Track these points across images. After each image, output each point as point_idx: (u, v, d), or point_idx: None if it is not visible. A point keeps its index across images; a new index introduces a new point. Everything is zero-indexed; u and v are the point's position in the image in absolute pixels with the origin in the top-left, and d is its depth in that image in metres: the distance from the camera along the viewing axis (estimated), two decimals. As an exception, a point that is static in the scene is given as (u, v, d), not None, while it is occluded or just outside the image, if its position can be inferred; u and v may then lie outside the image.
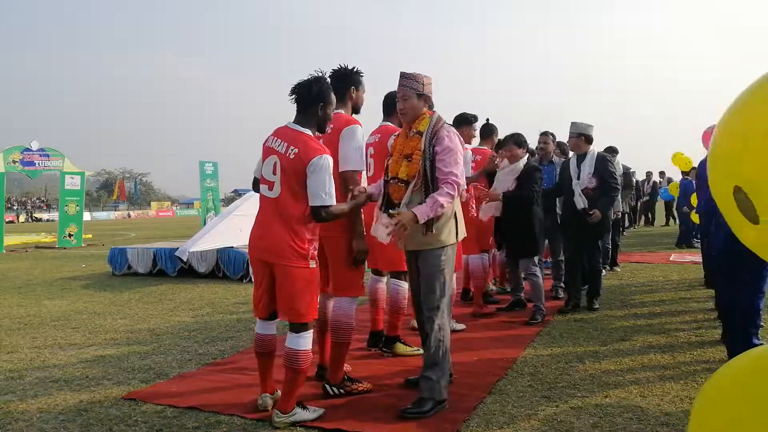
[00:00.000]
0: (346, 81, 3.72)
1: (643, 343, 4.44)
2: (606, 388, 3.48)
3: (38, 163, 16.64)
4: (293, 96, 3.18)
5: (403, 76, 3.37)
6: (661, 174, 18.66)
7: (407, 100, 3.33)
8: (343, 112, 3.64)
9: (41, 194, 71.46)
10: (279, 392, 3.24)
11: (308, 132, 3.12)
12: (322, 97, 3.15)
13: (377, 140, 4.31)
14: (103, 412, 3.31)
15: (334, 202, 3.02)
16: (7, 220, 27.38)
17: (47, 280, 9.27)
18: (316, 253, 3.10)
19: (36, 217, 46.84)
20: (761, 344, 3.84)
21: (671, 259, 9.80)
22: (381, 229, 3.22)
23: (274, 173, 3.05)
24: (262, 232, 3.09)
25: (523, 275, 5.72)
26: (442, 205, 3.12)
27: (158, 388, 3.69)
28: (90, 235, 19.78)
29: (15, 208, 51.89)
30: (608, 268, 8.18)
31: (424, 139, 3.24)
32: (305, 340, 3.04)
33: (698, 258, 8.07)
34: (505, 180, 5.37)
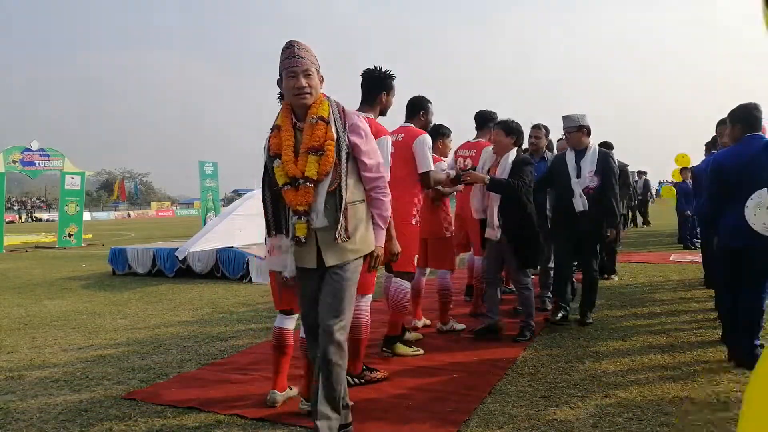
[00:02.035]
0: (379, 84, 3.82)
1: (643, 343, 4.44)
2: (606, 388, 3.48)
3: (38, 163, 16.64)
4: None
5: (299, 46, 2.64)
6: (640, 174, 18.00)
7: (311, 77, 2.64)
8: (371, 116, 3.75)
9: (41, 194, 71.52)
10: (292, 389, 3.42)
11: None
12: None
13: (400, 139, 4.30)
14: (103, 412, 3.31)
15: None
16: (7, 220, 27.37)
17: (47, 280, 9.27)
18: None
19: (36, 217, 46.85)
20: (762, 345, 3.85)
21: (671, 259, 9.79)
22: (287, 258, 2.72)
23: None
24: None
25: (514, 288, 5.10)
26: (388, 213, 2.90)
27: (158, 388, 3.69)
28: (90, 235, 19.80)
29: (15, 208, 51.92)
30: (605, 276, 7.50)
31: (335, 126, 2.66)
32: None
33: (698, 258, 8.07)
34: (503, 174, 4.63)
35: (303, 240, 2.65)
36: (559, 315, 5.08)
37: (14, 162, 16.11)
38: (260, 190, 2.84)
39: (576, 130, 4.98)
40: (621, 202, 7.80)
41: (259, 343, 4.78)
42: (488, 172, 4.76)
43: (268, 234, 2.76)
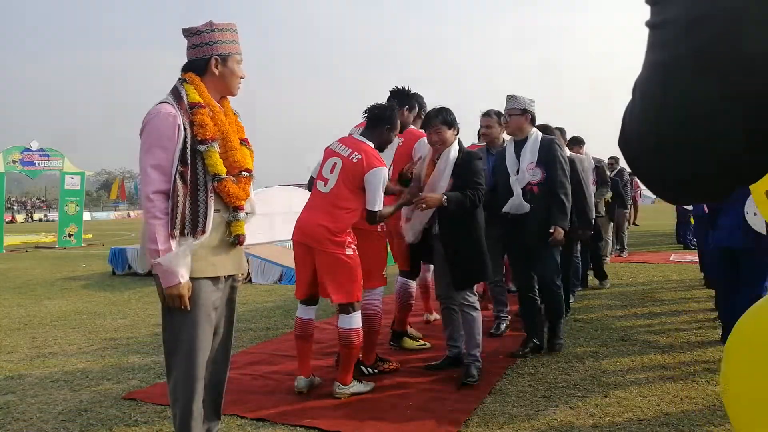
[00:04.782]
0: (400, 102, 4.21)
1: (643, 343, 4.44)
2: (606, 388, 3.48)
3: (38, 163, 16.61)
4: (367, 114, 3.60)
5: (234, 30, 2.52)
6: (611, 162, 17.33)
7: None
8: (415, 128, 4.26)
9: (41, 194, 71.60)
10: (315, 377, 3.61)
11: (371, 144, 3.49)
12: (391, 121, 3.56)
13: (400, 144, 4.40)
14: (103, 412, 3.31)
15: (382, 208, 3.42)
16: (7, 220, 27.37)
17: (47, 280, 9.26)
18: (353, 242, 3.41)
19: (45, 216, 46.72)
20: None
21: (671, 259, 9.80)
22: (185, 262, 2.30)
23: (332, 172, 3.42)
24: (306, 219, 3.44)
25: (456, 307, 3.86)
26: None
27: (158, 388, 3.68)
28: (90, 235, 19.78)
29: (15, 208, 51.92)
30: (580, 287, 6.56)
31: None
32: (355, 320, 3.38)
33: (698, 258, 8.07)
34: (441, 177, 3.72)
35: (243, 239, 2.49)
36: (528, 347, 4.21)
37: (14, 162, 16.08)
38: (204, 183, 2.34)
39: (520, 113, 4.17)
40: (601, 200, 6.69)
41: (257, 344, 4.78)
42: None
43: (173, 236, 2.25)
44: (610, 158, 9.78)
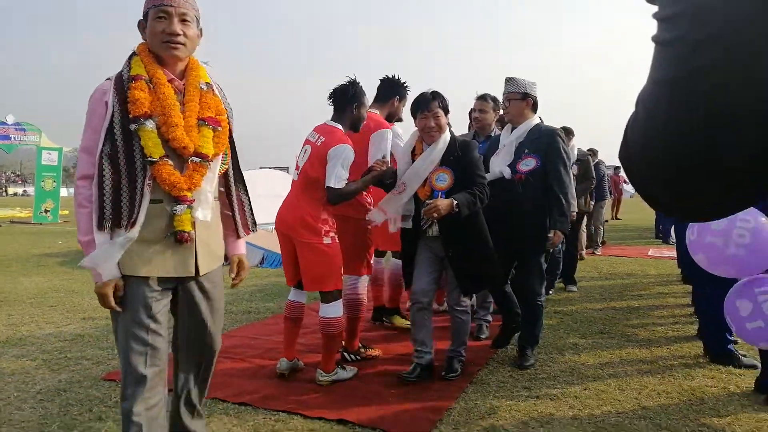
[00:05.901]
0: (393, 90, 4.15)
1: (621, 337, 4.51)
2: (585, 380, 3.53)
3: (14, 138, 16.29)
4: (331, 98, 3.50)
5: None
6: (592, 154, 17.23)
7: (188, 24, 2.06)
8: (378, 113, 4.01)
9: (16, 168, 70.26)
10: (298, 361, 3.62)
11: (339, 127, 3.43)
12: (356, 98, 3.47)
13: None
14: (82, 392, 3.28)
15: (342, 186, 3.26)
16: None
17: (22, 256, 9.11)
18: (331, 230, 3.37)
19: (24, 192, 45.69)
20: (735, 342, 3.94)
21: (649, 253, 9.95)
22: (114, 256, 1.96)
23: (302, 160, 3.42)
24: (283, 209, 3.44)
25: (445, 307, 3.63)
26: None
27: (138, 370, 3.65)
28: (67, 212, 19.45)
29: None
30: (560, 279, 6.40)
31: (223, 100, 2.25)
32: (335, 308, 3.39)
33: (675, 253, 8.20)
34: (426, 162, 3.41)
35: (187, 237, 2.06)
36: (508, 336, 4.04)
37: (-11, 135, 15.74)
38: (143, 168, 2.00)
39: (520, 98, 3.73)
40: (584, 196, 6.45)
41: (239, 327, 4.76)
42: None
43: (101, 227, 1.96)
44: (588, 150, 9.71)
